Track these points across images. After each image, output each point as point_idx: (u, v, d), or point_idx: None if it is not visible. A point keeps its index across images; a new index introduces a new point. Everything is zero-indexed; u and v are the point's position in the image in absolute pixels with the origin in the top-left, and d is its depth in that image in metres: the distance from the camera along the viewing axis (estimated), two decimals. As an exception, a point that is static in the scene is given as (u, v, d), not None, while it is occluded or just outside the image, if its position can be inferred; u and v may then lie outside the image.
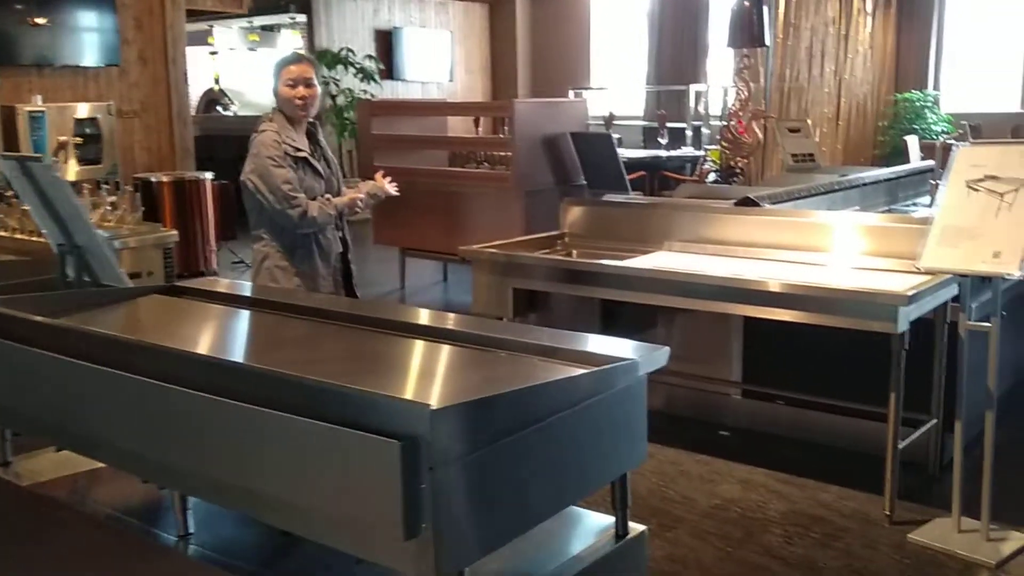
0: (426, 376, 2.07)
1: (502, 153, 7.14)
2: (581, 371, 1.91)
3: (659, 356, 2.06)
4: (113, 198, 5.85)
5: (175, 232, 5.81)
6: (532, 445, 1.74)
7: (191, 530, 2.08)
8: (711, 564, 3.03)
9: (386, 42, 12.26)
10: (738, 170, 7.65)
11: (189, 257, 8.08)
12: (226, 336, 2.45)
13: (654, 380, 2.08)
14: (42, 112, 7.27)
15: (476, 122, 8.40)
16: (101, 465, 2.23)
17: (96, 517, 2.26)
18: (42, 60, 7.78)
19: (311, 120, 3.53)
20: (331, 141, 8.08)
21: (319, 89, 3.51)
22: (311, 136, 3.53)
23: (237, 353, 2.25)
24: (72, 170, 7.36)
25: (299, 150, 3.40)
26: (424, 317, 2.43)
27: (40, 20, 7.75)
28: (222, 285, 2.86)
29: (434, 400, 1.66)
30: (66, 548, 2.37)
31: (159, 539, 2.09)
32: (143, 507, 2.20)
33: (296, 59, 3.55)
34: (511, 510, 1.74)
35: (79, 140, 7.52)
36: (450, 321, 2.40)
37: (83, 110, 7.67)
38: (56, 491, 2.37)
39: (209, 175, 8.21)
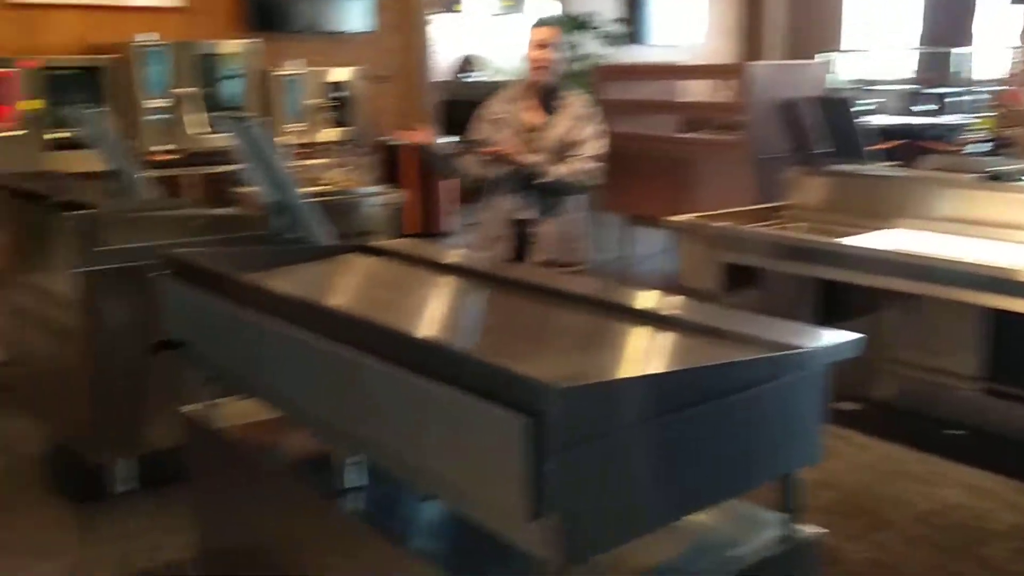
0: (576, 351, 1.98)
1: (737, 118, 6.81)
2: (746, 356, 1.74)
3: (846, 346, 1.83)
4: (355, 159, 6.17)
5: (403, 193, 6.04)
6: (678, 432, 1.60)
7: (350, 485, 2.12)
8: (921, 574, 2.74)
9: (633, 5, 12.05)
10: (1011, 142, 6.86)
11: (427, 218, 8.40)
12: (392, 298, 2.47)
13: (877, 369, 1.86)
14: (299, 76, 7.76)
15: (717, 86, 8.09)
16: (280, 415, 2.32)
17: (271, 464, 2.36)
18: (304, 27, 8.31)
19: (550, 84, 3.58)
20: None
21: (556, 54, 3.53)
22: (545, 100, 3.58)
23: (396, 314, 2.25)
24: (323, 132, 7.81)
25: (497, 111, 3.54)
26: (596, 288, 2.33)
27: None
28: (412, 246, 2.89)
29: (570, 377, 1.56)
30: (241, 486, 2.52)
31: (318, 491, 2.15)
32: (312, 459, 2.27)
33: (540, 22, 3.70)
34: (651, 499, 1.62)
35: (332, 103, 7.97)
36: (622, 294, 2.28)
37: (337, 74, 8.09)
38: (240, 436, 2.50)
39: (452, 139, 8.44)
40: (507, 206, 3.62)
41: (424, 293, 2.49)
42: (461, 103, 11.48)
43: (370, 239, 3.55)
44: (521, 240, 3.66)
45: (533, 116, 3.64)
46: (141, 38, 7.00)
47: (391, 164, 8.34)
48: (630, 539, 1.62)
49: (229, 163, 7.38)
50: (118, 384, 3.34)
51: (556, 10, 11.72)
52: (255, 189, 5.70)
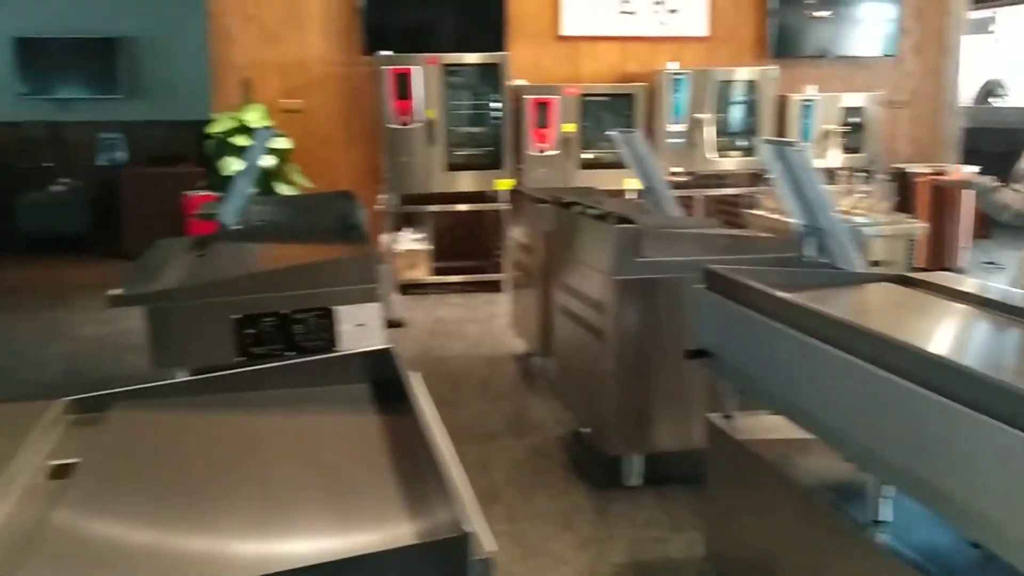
0: None
1: None
2: None
3: None
4: (867, 187, 5.99)
5: (922, 224, 5.72)
6: None
7: (884, 519, 2.08)
8: None
9: None
10: None
11: (939, 252, 7.84)
12: (939, 330, 2.36)
13: None
14: (813, 101, 7.71)
15: None
16: (808, 436, 2.34)
17: (795, 483, 2.40)
18: (820, 52, 8.25)
19: None
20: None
21: None
22: None
23: (947, 347, 2.16)
24: (834, 157, 7.68)
25: None
26: None
27: (822, 13, 8.21)
28: (954, 280, 2.74)
29: None
30: (755, 499, 2.58)
31: (849, 519, 2.14)
32: (840, 485, 2.26)
33: None
34: None
35: (845, 128, 7.80)
36: None
37: (852, 99, 7.91)
38: (765, 451, 2.57)
39: (972, 168, 7.82)
40: None
41: (972, 328, 2.35)
42: (984, 130, 10.57)
43: (885, 269, 3.43)
44: None
45: None
46: (670, 66, 7.48)
47: (904, 193, 7.92)
48: None
49: (737, 186, 7.61)
50: (639, 385, 3.62)
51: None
52: (770, 212, 5.80)
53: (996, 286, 2.78)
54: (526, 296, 5.21)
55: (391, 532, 1.21)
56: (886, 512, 2.08)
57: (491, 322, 6.37)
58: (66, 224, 9.34)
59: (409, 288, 7.21)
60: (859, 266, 3.09)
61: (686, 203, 7.52)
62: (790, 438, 2.52)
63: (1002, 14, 13.94)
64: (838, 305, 2.50)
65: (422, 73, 7.04)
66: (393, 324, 3.09)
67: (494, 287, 6.98)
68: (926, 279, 2.79)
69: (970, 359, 2.02)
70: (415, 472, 1.37)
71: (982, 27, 14.04)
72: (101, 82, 9.79)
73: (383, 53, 7.05)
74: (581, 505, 3.59)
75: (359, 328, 2.88)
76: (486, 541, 1.17)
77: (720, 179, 7.73)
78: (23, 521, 1.27)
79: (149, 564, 1.17)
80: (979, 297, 2.53)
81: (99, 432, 1.58)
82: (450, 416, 4.93)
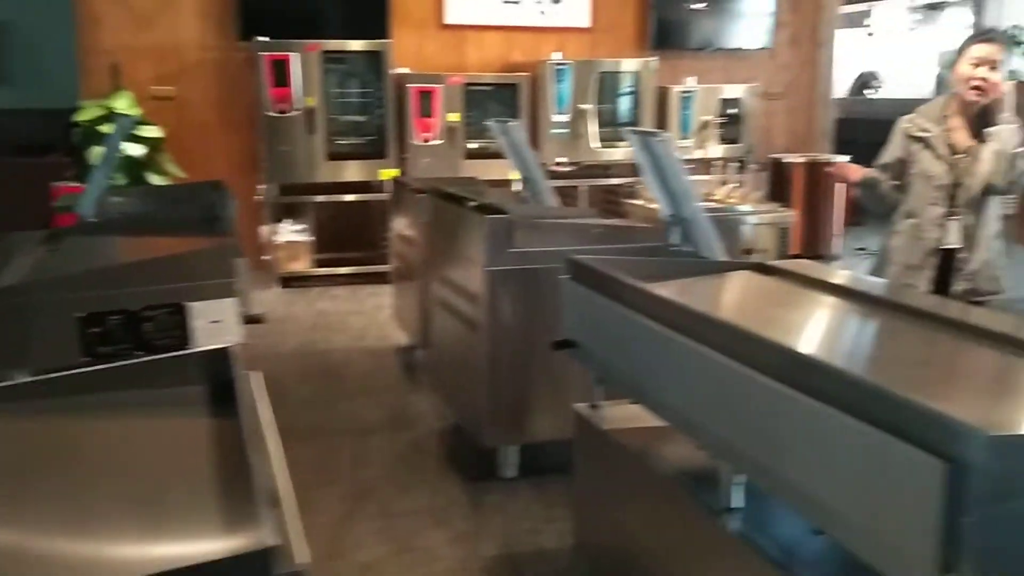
0: (996, 394, 1.79)
1: None
2: None
3: None
4: (741, 177, 6.12)
5: (792, 212, 5.89)
6: None
7: (736, 505, 2.10)
8: None
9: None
10: None
11: (812, 240, 8.10)
12: (793, 319, 2.41)
13: None
14: (692, 92, 7.85)
15: None
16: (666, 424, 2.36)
17: (655, 471, 2.41)
18: (699, 44, 8.40)
19: (986, 107, 3.31)
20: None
21: (999, 74, 3.27)
22: (977, 123, 3.33)
23: (796, 337, 2.20)
24: (713, 147, 7.84)
25: (924, 130, 3.30)
26: (1016, 325, 2.09)
27: (700, 6, 8.36)
28: (812, 268, 2.81)
29: (997, 424, 1.43)
30: (619, 488, 2.59)
31: (702, 506, 2.16)
32: (698, 472, 2.28)
33: (988, 38, 3.41)
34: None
35: (723, 119, 7.97)
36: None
37: (730, 91, 8.08)
38: (628, 440, 2.58)
39: (844, 158, 8.09)
40: (934, 234, 3.37)
41: (825, 318, 2.41)
42: (856, 121, 10.97)
43: (755, 257, 3.50)
44: (944, 271, 3.39)
45: (961, 138, 3.37)
46: (554, 57, 7.49)
47: (780, 183, 8.15)
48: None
49: (620, 176, 7.69)
50: (512, 376, 3.60)
51: (974, 25, 10.77)
52: (648, 201, 5.87)
53: (849, 273, 2.86)
54: (407, 288, 5.14)
55: (199, 546, 1.14)
56: (738, 499, 2.10)
57: (376, 314, 6.27)
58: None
59: (291, 281, 7.05)
60: (722, 255, 3.14)
61: (570, 193, 7.58)
62: (654, 426, 2.54)
63: (877, 9, 14.50)
64: (693, 294, 2.52)
65: (300, 60, 6.87)
66: (252, 320, 2.98)
67: (381, 279, 6.87)
68: (783, 267, 2.85)
69: (808, 346, 2.05)
70: (236, 480, 1.30)
71: (857, 21, 14.57)
72: (-40, 68, 9.22)
73: (260, 39, 6.85)
74: (457, 499, 3.55)
75: (214, 325, 2.75)
76: (298, 553, 1.12)
77: (604, 169, 7.79)
78: None
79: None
80: (831, 284, 2.59)
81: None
82: (326, 412, 4.81)
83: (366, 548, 3.15)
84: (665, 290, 2.37)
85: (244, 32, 7.14)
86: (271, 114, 6.90)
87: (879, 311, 2.35)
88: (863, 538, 1.59)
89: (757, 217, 5.71)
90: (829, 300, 2.51)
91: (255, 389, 1.83)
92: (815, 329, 2.33)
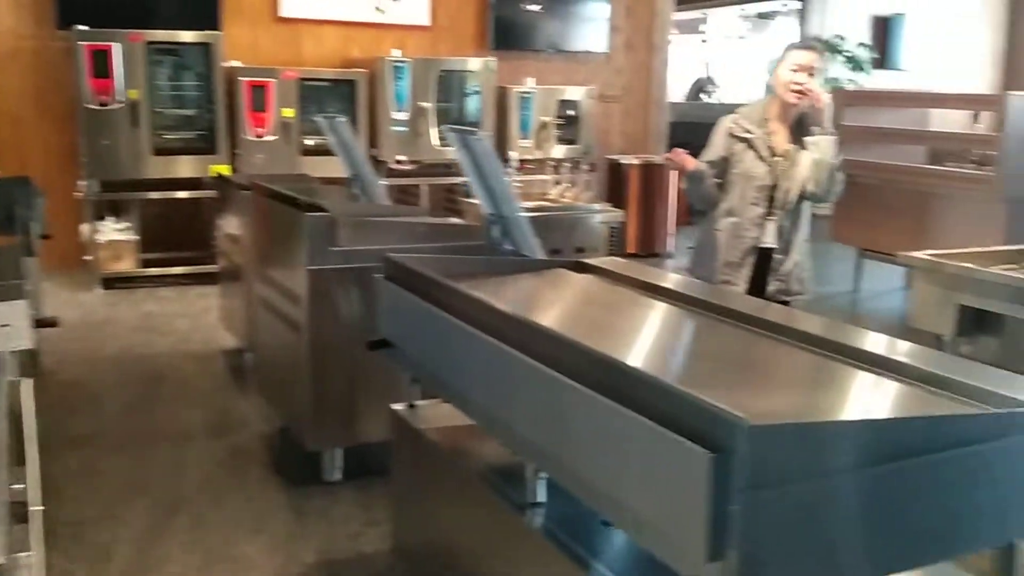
0: (782, 389, 1.88)
1: (990, 152, 6.30)
2: (968, 410, 1.59)
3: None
4: (573, 177, 6.24)
5: (621, 212, 6.04)
6: (882, 485, 1.48)
7: (540, 500, 2.12)
8: None
9: (883, 29, 11.44)
10: None
11: (647, 238, 8.34)
12: (594, 316, 2.46)
13: None
14: (531, 93, 7.94)
15: (975, 117, 7.52)
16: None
17: (465, 469, 2.41)
18: (538, 45, 8.51)
19: (804, 112, 3.47)
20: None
21: (816, 81, 3.44)
22: (796, 127, 3.49)
23: (592, 333, 2.23)
24: (551, 148, 7.94)
25: (747, 131, 3.46)
26: (815, 324, 2.20)
27: (534, 7, 8.46)
28: (624, 266, 2.87)
29: (768, 415, 1.49)
30: (434, 488, 2.58)
31: (509, 502, 2.17)
32: (506, 469, 2.29)
33: (807, 45, 3.62)
34: (846, 554, 1.50)
35: (561, 120, 8.09)
36: (842, 333, 2.14)
37: (568, 93, 8.21)
38: (441, 439, 2.57)
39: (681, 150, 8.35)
40: (753, 233, 3.50)
41: (627, 315, 2.46)
42: (692, 125, 11.37)
43: (588, 255, 3.56)
44: (761, 269, 3.53)
45: (780, 141, 3.52)
46: (394, 54, 7.42)
47: (617, 183, 8.34)
48: (819, 593, 1.51)
49: (461, 175, 7.69)
50: (335, 377, 3.53)
51: (799, 33, 11.36)
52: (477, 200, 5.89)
53: (658, 271, 2.93)
54: (234, 289, 4.97)
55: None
56: (541, 494, 2.12)
57: (204, 316, 6.04)
58: None
59: (114, 282, 6.70)
60: (540, 253, 3.17)
61: (412, 192, 7.53)
62: (468, 425, 2.53)
63: (711, 16, 15.08)
64: (500, 292, 2.52)
65: (123, 50, 6.54)
66: (44, 323, 2.81)
67: (212, 279, 6.61)
68: (597, 264, 2.90)
69: (598, 342, 2.07)
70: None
71: (693, 27, 15.12)
72: None
73: (79, 27, 6.48)
74: (278, 504, 3.45)
75: (2, 329, 2.58)
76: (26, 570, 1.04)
77: (446, 168, 7.76)
78: None
79: None
80: (641, 282, 2.66)
81: None
82: (143, 418, 4.56)
83: (174, 560, 3.01)
84: (475, 289, 2.37)
85: (63, 21, 6.74)
86: (91, 107, 6.54)
87: (681, 308, 2.42)
88: (644, 528, 1.62)
89: (591, 216, 5.82)
90: (636, 297, 2.57)
91: (23, 398, 1.71)
92: (613, 325, 2.38)
